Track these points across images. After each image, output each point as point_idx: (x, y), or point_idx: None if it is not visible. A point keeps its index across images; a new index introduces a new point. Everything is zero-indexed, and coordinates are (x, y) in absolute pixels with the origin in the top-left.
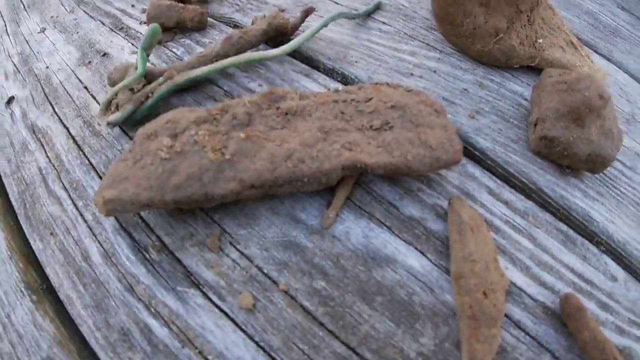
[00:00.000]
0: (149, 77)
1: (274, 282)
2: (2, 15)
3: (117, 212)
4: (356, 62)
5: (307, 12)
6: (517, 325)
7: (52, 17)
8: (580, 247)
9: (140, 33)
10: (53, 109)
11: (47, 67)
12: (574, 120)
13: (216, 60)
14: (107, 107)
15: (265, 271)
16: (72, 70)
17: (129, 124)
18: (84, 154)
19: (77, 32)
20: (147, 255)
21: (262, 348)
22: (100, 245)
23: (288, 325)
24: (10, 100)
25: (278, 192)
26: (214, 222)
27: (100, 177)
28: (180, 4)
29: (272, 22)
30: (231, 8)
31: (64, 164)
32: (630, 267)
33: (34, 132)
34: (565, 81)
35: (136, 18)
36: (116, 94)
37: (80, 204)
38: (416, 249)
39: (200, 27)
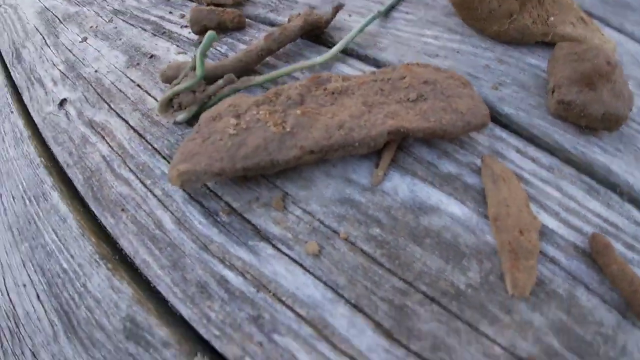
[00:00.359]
0: (206, 79)
1: (335, 231)
2: (38, 30)
3: (190, 183)
4: (386, 48)
5: (337, 8)
6: (552, 260)
7: (91, 27)
8: (603, 195)
9: (183, 36)
10: (109, 105)
11: (95, 71)
12: (586, 85)
13: (261, 54)
14: (168, 104)
15: (326, 223)
16: (122, 72)
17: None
18: (147, 140)
19: (120, 39)
20: (218, 219)
21: (330, 287)
22: (172, 214)
23: (351, 266)
24: (62, 103)
25: (332, 157)
26: (276, 187)
27: (165, 159)
28: (220, 8)
29: (308, 18)
30: (265, 9)
31: (127, 150)
32: None
33: (92, 127)
34: (576, 52)
35: (176, 23)
36: (177, 94)
37: (148, 182)
38: (456, 199)
39: (240, 27)
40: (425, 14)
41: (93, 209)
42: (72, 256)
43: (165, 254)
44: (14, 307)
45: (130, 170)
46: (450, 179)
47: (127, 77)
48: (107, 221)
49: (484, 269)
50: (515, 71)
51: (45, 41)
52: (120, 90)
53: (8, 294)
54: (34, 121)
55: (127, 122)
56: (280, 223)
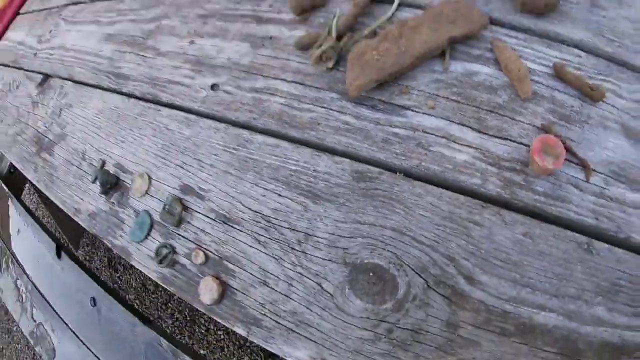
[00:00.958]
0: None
1: (436, 94)
2: (132, 51)
3: (362, 90)
4: None
5: None
6: (538, 81)
7: (188, 32)
8: (557, 47)
9: (283, 19)
10: (261, 75)
11: (228, 59)
12: None
13: (356, 16)
14: (319, 58)
15: (431, 92)
16: (254, 52)
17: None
18: (307, 84)
19: (229, 32)
20: (378, 107)
21: (443, 119)
22: (351, 115)
23: (451, 107)
24: (213, 87)
25: (423, 61)
26: (399, 84)
27: (324, 90)
28: None
29: None
30: None
31: (297, 94)
32: None
33: (256, 91)
34: None
35: (269, 11)
36: (324, 51)
37: (325, 105)
38: (485, 65)
39: (323, 4)
40: None
41: (294, 134)
42: (296, 160)
43: (360, 135)
44: (259, 212)
45: (308, 102)
46: (479, 56)
47: (260, 55)
48: (309, 134)
49: (508, 94)
50: None
51: (144, 56)
52: (262, 64)
53: (249, 209)
54: (191, 109)
55: (283, 79)
56: (410, 99)
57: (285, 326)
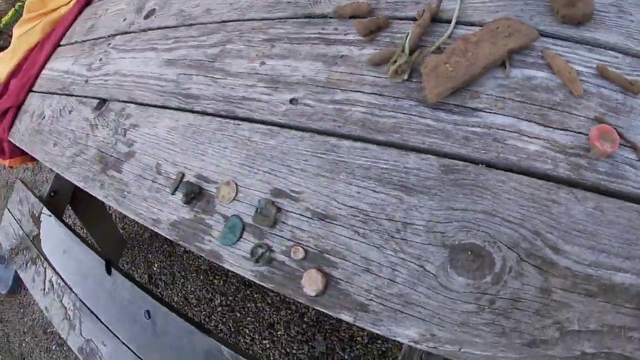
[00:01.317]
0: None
1: (502, 97)
2: (199, 74)
3: (440, 97)
4: (472, 14)
5: (440, 2)
6: (585, 81)
7: (257, 55)
8: (596, 51)
9: (350, 40)
10: (351, 90)
11: (303, 76)
12: (571, 5)
13: (419, 35)
14: (395, 72)
15: (497, 95)
16: (328, 70)
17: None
18: (385, 95)
19: (299, 53)
20: (454, 110)
21: (514, 117)
22: (430, 119)
23: (516, 106)
24: (292, 101)
25: (487, 70)
26: (469, 91)
27: (400, 99)
28: (368, 18)
29: (432, 11)
30: (390, 11)
31: (377, 103)
32: None
33: (337, 103)
34: None
35: (335, 34)
36: (399, 66)
37: (411, 112)
38: (541, 70)
39: (387, 25)
40: None
41: (379, 137)
42: (385, 160)
43: (441, 135)
44: (355, 207)
45: (388, 110)
46: (533, 63)
47: (335, 71)
48: (394, 137)
49: (563, 93)
50: (536, 8)
51: (213, 77)
52: (338, 79)
53: (345, 205)
54: (272, 122)
55: (361, 92)
56: (481, 102)
57: (393, 308)
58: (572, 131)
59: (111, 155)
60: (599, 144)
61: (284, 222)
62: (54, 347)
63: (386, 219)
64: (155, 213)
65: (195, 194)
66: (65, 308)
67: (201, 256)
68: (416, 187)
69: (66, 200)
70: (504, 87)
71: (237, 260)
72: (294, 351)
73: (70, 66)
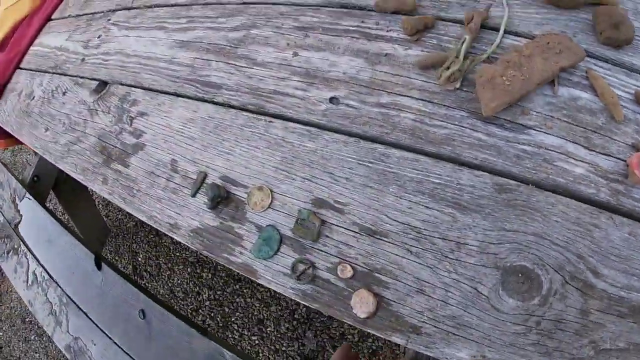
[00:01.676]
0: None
1: (551, 116)
2: (219, 59)
3: (495, 112)
4: (519, 24)
5: (489, 7)
6: (624, 106)
7: (288, 44)
8: (635, 76)
9: (394, 37)
10: (385, 91)
11: (344, 73)
12: (615, 28)
13: (470, 41)
14: (448, 78)
15: (545, 113)
16: (371, 69)
17: None
18: (435, 102)
19: (339, 49)
20: (505, 125)
21: (562, 137)
22: (481, 132)
23: (560, 126)
24: (332, 100)
25: (540, 86)
26: (520, 106)
27: (451, 108)
28: (418, 16)
29: (483, 16)
30: (435, 10)
31: (426, 111)
32: None
33: (383, 106)
34: (608, 12)
35: (376, 29)
36: (453, 72)
37: (456, 122)
38: (584, 91)
39: (433, 26)
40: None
41: (430, 148)
42: (438, 174)
43: (493, 151)
44: (407, 224)
45: (439, 120)
46: (578, 83)
47: (379, 71)
48: (446, 149)
49: (605, 116)
50: (580, 25)
51: (236, 65)
52: (383, 80)
53: (396, 221)
54: (310, 122)
55: (409, 97)
56: (531, 120)
57: (445, 330)
58: (612, 156)
59: (115, 146)
60: (638, 172)
61: (328, 237)
62: (32, 337)
63: (440, 238)
64: (173, 217)
65: (222, 199)
66: (51, 303)
67: (188, 248)
68: (470, 205)
69: (50, 185)
70: (552, 105)
71: (274, 276)
72: (283, 348)
73: (63, 42)
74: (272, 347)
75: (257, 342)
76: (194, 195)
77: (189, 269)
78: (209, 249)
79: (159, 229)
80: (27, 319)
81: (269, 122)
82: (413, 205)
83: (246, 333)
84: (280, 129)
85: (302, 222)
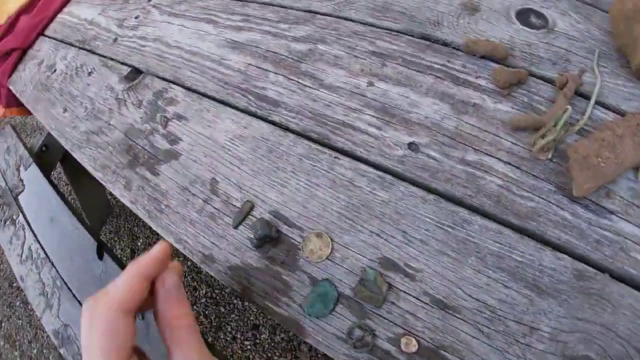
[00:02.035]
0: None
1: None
2: (279, 72)
3: (588, 193)
4: (607, 95)
5: (582, 72)
6: None
7: (362, 70)
8: None
9: (483, 86)
10: (472, 147)
11: (426, 117)
12: None
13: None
14: (542, 147)
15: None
16: (457, 118)
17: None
18: (524, 170)
19: (421, 87)
20: (589, 206)
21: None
22: (563, 212)
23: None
24: (411, 146)
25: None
26: (605, 188)
27: (540, 178)
28: (513, 69)
29: (577, 82)
30: (526, 63)
31: (514, 178)
32: None
33: (468, 164)
34: None
35: (463, 72)
36: (548, 142)
37: (543, 196)
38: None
39: (524, 82)
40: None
41: (514, 221)
42: (521, 252)
43: (576, 233)
44: (483, 302)
45: (526, 190)
46: None
47: (465, 122)
48: (531, 224)
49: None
50: None
51: (300, 83)
52: (469, 134)
53: (471, 297)
54: (384, 167)
55: (497, 158)
56: (614, 204)
57: None
58: None
59: (143, 148)
60: None
61: (393, 303)
62: (18, 304)
63: (514, 321)
64: (208, 247)
65: (271, 238)
66: (44, 283)
67: None
68: (548, 289)
69: (58, 157)
70: (634, 191)
71: (326, 338)
72: (275, 357)
73: (96, 15)
74: (264, 355)
75: (249, 347)
76: (236, 227)
77: (188, 262)
78: (249, 293)
79: (188, 257)
80: (14, 284)
81: (334, 157)
82: (491, 282)
83: (239, 337)
84: (349, 169)
85: (365, 283)
